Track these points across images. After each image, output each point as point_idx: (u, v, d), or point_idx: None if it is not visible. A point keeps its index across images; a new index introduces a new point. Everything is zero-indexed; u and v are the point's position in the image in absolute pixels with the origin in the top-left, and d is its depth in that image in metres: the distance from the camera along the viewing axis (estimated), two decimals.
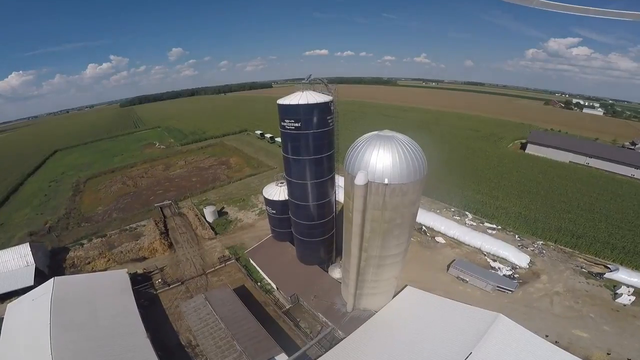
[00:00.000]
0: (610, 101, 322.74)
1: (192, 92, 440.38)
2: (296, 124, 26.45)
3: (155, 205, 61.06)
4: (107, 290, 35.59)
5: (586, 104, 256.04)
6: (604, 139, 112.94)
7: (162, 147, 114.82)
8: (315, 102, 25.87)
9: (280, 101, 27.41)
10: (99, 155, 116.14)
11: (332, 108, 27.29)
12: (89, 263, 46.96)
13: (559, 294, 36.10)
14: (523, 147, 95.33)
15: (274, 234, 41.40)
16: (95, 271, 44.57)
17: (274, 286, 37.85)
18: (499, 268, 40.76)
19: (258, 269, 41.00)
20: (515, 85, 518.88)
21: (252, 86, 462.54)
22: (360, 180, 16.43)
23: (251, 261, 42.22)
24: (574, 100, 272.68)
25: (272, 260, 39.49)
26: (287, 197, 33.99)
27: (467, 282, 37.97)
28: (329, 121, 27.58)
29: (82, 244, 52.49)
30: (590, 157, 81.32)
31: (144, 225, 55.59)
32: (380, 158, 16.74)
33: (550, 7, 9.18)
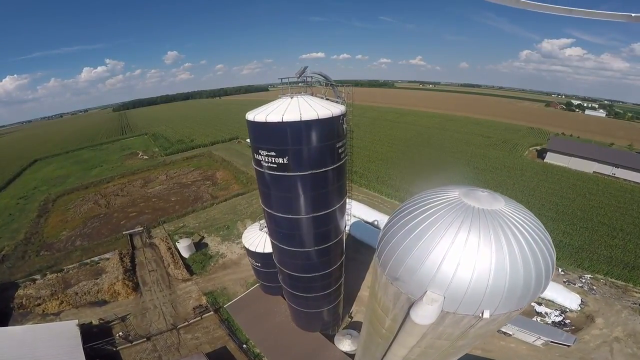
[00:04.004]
0: (606, 101, 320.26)
1: (187, 96, 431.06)
2: (280, 159, 14.93)
3: (124, 232, 52.23)
4: (52, 348, 29.44)
5: (586, 105, 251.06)
6: (619, 144, 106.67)
7: (145, 157, 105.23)
8: (315, 116, 14.42)
9: (252, 115, 15.41)
10: (77, 166, 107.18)
11: (344, 126, 16.19)
12: (39, 305, 39.11)
13: (619, 340, 30.41)
14: (540, 154, 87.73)
15: (261, 287, 32.06)
16: (46, 314, 37.86)
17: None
18: (547, 314, 33.95)
19: (242, 330, 31.67)
20: (511, 87, 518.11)
21: (248, 89, 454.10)
22: (426, 317, 7.31)
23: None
24: (574, 102, 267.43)
25: (259, 321, 30.20)
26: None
27: (510, 335, 30.80)
28: (340, 151, 16.24)
29: (34, 280, 44.18)
30: (617, 167, 73.46)
31: (108, 259, 46.76)
32: (478, 269, 7.21)
33: (532, 7, 8.16)
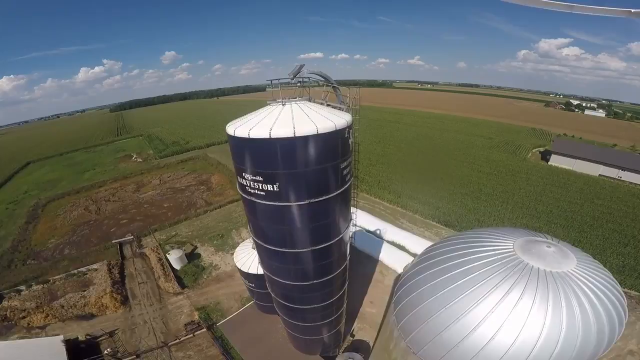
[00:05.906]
0: (604, 101, 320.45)
1: (184, 97, 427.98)
2: (268, 186, 11.68)
3: (114, 241, 49.91)
4: None
5: (585, 105, 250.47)
6: (621, 145, 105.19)
7: (138, 160, 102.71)
8: (313, 130, 11.05)
9: (232, 128, 12.22)
10: (69, 170, 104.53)
11: (350, 141, 12.86)
12: (24, 317, 37.14)
13: (633, 353, 28.88)
14: (544, 156, 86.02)
15: (256, 305, 29.88)
16: (31, 328, 35.95)
17: None
18: None
19: (237, 350, 29.52)
20: (509, 87, 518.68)
21: (246, 90, 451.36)
22: None
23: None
24: (573, 102, 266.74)
25: (255, 341, 28.02)
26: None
27: None
28: (345, 172, 12.89)
29: (19, 291, 41.96)
30: (623, 169, 71.64)
31: (96, 270, 44.52)
32: (540, 345, 5.63)
33: (537, 3, 8.46)
